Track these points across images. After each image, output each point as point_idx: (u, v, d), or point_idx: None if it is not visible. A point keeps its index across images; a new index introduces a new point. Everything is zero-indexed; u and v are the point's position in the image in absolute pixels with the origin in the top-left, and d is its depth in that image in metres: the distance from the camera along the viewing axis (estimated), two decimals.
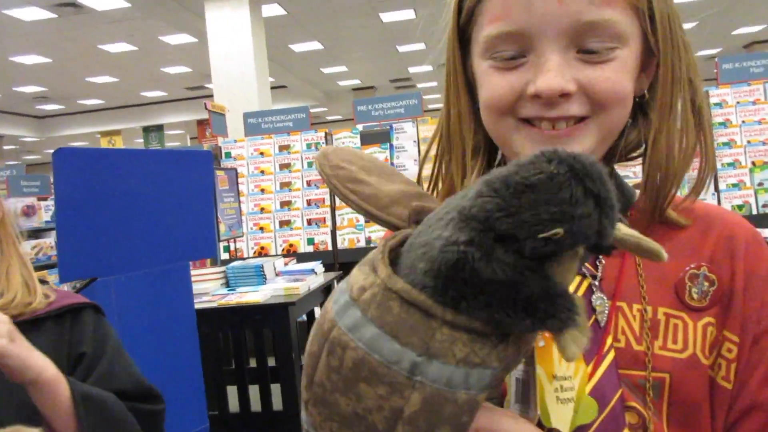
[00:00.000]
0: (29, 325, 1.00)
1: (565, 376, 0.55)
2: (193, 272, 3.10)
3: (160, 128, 15.28)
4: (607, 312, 0.61)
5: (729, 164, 4.60)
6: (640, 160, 0.65)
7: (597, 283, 0.62)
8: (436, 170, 0.70)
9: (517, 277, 0.40)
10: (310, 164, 5.20)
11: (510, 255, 0.40)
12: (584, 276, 0.62)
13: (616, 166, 0.67)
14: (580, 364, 0.57)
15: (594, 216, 0.40)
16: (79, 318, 1.10)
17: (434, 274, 0.42)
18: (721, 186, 4.54)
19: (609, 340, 0.59)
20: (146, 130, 15.22)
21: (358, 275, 0.46)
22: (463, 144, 0.66)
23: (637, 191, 0.66)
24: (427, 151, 0.72)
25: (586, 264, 0.62)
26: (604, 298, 0.61)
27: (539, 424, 0.54)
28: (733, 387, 0.60)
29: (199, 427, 2.16)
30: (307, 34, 10.58)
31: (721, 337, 0.60)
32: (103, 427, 1.00)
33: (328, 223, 4.96)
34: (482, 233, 0.40)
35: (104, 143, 15.44)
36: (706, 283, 0.61)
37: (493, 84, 0.60)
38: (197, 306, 2.53)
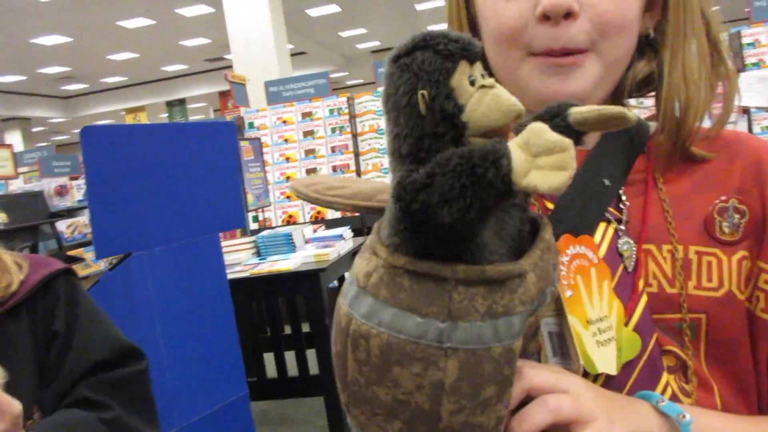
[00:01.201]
0: (6, 317, 0.97)
1: (600, 317, 0.53)
2: (223, 243, 3.14)
3: (182, 102, 15.33)
4: (635, 256, 0.59)
5: (762, 106, 4.45)
6: (652, 95, 0.64)
7: (623, 227, 0.60)
8: None
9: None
10: (333, 130, 5.18)
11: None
12: (609, 221, 0.60)
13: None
14: (614, 301, 0.56)
15: (421, 58, 0.41)
16: (50, 290, 1.04)
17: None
18: (755, 129, 4.41)
19: (641, 284, 0.58)
20: (169, 104, 15.30)
21: (361, 262, 0.45)
22: None
23: (652, 124, 0.64)
24: None
25: (610, 209, 0.60)
26: (631, 242, 0.59)
27: (585, 374, 0.54)
28: None
29: (239, 394, 2.22)
30: None
31: (756, 268, 0.59)
32: None
33: None
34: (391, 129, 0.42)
35: (129, 120, 15.59)
36: (737, 215, 0.59)
37: (500, 12, 0.59)
38: (230, 276, 2.57)
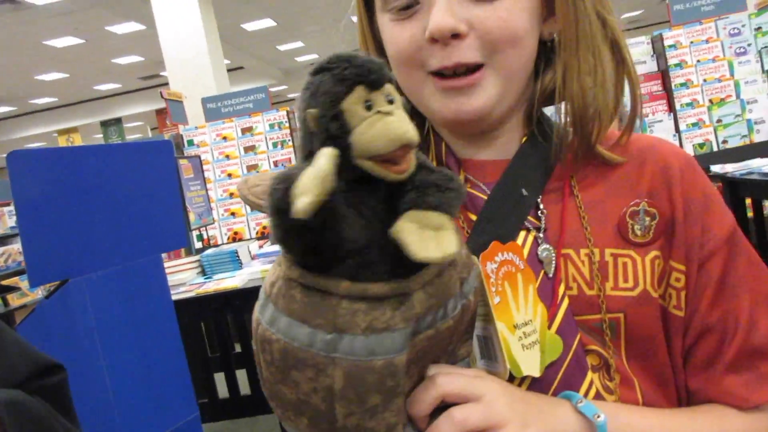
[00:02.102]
0: None
1: (526, 322, 0.56)
2: (168, 264, 3.07)
3: (118, 121, 14.91)
4: (554, 262, 0.61)
5: (687, 104, 4.67)
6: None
7: (542, 235, 0.62)
8: None
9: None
10: (275, 144, 5.15)
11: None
12: (528, 230, 0.62)
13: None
14: (538, 305, 0.58)
15: (319, 80, 0.43)
16: None
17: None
18: (681, 126, 4.62)
19: (561, 289, 0.60)
20: (104, 124, 14.85)
21: (270, 272, 0.48)
22: None
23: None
24: None
25: (529, 217, 0.62)
26: (550, 248, 0.62)
27: (511, 377, 0.55)
28: (685, 314, 0.62)
29: (189, 417, 2.17)
30: (258, 11, 10.36)
31: (668, 267, 0.62)
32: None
33: None
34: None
35: (62, 142, 15.05)
36: (647, 218, 0.62)
37: (395, 37, 0.61)
38: (175, 297, 2.52)
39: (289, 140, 5.16)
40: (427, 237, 0.43)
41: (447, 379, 0.49)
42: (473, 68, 0.58)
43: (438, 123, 0.66)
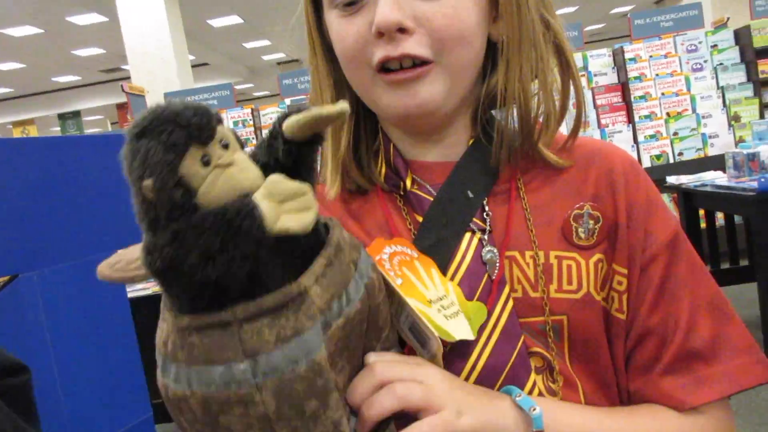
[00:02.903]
0: None
1: (440, 297, 0.55)
2: None
3: (77, 114, 14.52)
4: (497, 263, 0.61)
5: (646, 116, 4.80)
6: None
7: (486, 237, 0.62)
8: None
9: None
10: None
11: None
12: (473, 231, 0.63)
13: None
14: (447, 283, 0.58)
15: (145, 148, 0.40)
16: None
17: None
18: (639, 138, 4.75)
19: (506, 290, 0.60)
20: (62, 117, 14.44)
21: (159, 331, 0.46)
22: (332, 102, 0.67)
23: None
24: None
25: (475, 219, 0.63)
26: (495, 250, 0.62)
27: (447, 348, 0.56)
28: (627, 317, 0.62)
29: (142, 417, 2.12)
30: (225, 7, 10.24)
31: (611, 270, 0.63)
32: None
33: None
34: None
35: (17, 134, 14.58)
36: (591, 221, 0.62)
37: (341, 33, 0.61)
38: (131, 295, 2.47)
39: (252, 138, 5.11)
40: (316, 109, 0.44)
41: (386, 367, 0.50)
42: (419, 63, 0.58)
43: (387, 119, 0.66)
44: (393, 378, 0.50)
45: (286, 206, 0.41)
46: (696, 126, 4.72)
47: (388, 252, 0.57)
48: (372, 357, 0.51)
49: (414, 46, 0.57)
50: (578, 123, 0.65)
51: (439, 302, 0.55)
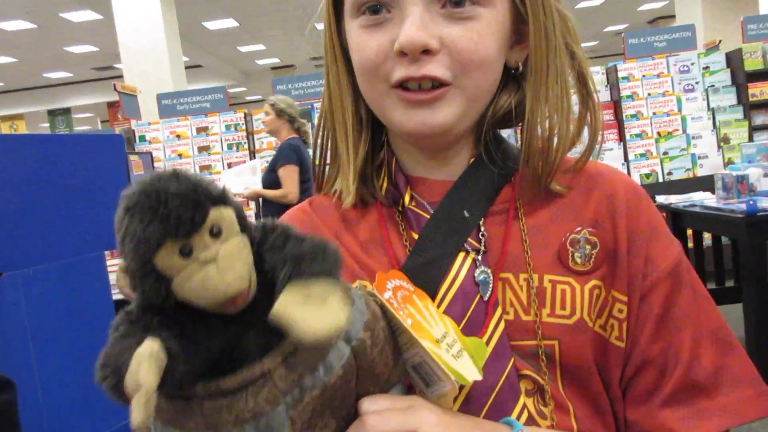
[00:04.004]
0: None
1: (444, 335, 0.54)
2: (110, 262, 2.97)
3: (67, 111, 14.43)
4: (491, 285, 0.61)
5: (636, 135, 4.84)
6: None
7: (480, 257, 0.61)
8: (320, 143, 0.70)
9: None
10: (230, 146, 5.07)
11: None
12: (467, 251, 0.62)
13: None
14: (444, 318, 0.57)
15: (134, 227, 0.40)
16: None
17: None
18: (630, 156, 4.78)
19: (498, 312, 0.59)
20: (52, 113, 14.35)
21: None
22: (344, 118, 0.66)
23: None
24: (318, 126, 0.71)
25: (469, 239, 0.62)
26: (488, 271, 0.61)
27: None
28: (626, 345, 0.61)
29: (124, 421, 2.09)
30: (220, 10, 10.22)
31: (611, 298, 0.61)
32: None
33: (252, 205, 4.87)
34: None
35: (5, 129, 14.45)
36: (588, 246, 0.61)
37: (362, 45, 0.60)
38: (116, 297, 2.43)
39: (244, 143, 5.09)
40: (314, 311, 0.41)
41: (377, 420, 0.48)
42: (437, 84, 0.58)
43: (398, 134, 0.65)
44: (388, 431, 0.47)
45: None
46: (686, 146, 4.76)
47: (391, 287, 0.55)
48: (365, 405, 0.49)
49: (436, 67, 0.57)
50: (590, 151, 0.64)
51: (444, 341, 0.53)
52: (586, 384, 0.61)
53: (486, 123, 0.64)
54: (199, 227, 0.40)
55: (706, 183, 4.00)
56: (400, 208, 0.66)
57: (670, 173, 4.72)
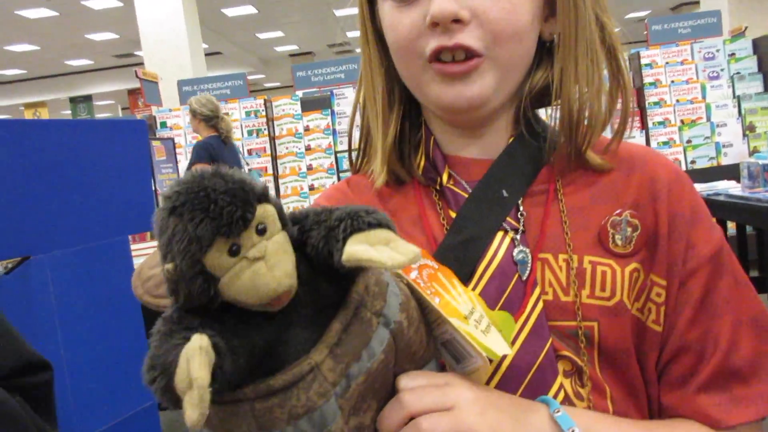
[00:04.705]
0: None
1: (471, 311, 0.54)
2: (132, 247, 3.01)
3: (88, 99, 14.58)
4: (529, 264, 0.61)
5: (659, 123, 4.77)
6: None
7: (518, 237, 0.61)
8: (363, 128, 0.71)
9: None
10: (250, 132, 5.09)
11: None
12: (506, 231, 0.62)
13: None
14: (469, 292, 0.56)
15: (184, 226, 0.39)
16: None
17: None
18: (653, 144, 4.72)
19: (537, 292, 0.59)
20: (73, 101, 14.50)
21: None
22: (374, 99, 0.67)
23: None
24: (353, 118, 0.72)
25: (508, 218, 0.62)
26: (527, 251, 0.61)
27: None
28: (663, 329, 0.61)
29: (146, 404, 2.12)
30: None
31: (649, 281, 0.61)
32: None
33: (272, 191, 4.90)
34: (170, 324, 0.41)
35: (29, 115, 14.63)
36: (629, 229, 0.61)
37: (395, 23, 0.61)
38: None
39: (264, 129, 5.11)
40: (383, 250, 0.41)
41: (413, 397, 0.48)
42: (471, 56, 0.58)
43: (434, 110, 0.65)
44: (420, 410, 0.48)
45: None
46: (710, 134, 4.69)
47: (416, 266, 0.55)
48: (402, 382, 0.49)
49: (467, 37, 0.57)
50: (623, 127, 0.63)
51: (472, 317, 0.53)
52: (623, 367, 0.61)
53: (524, 100, 0.64)
54: (248, 225, 0.40)
55: (730, 172, 3.93)
56: (437, 187, 0.66)
57: (693, 162, 4.65)
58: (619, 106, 0.64)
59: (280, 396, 0.42)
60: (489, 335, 0.53)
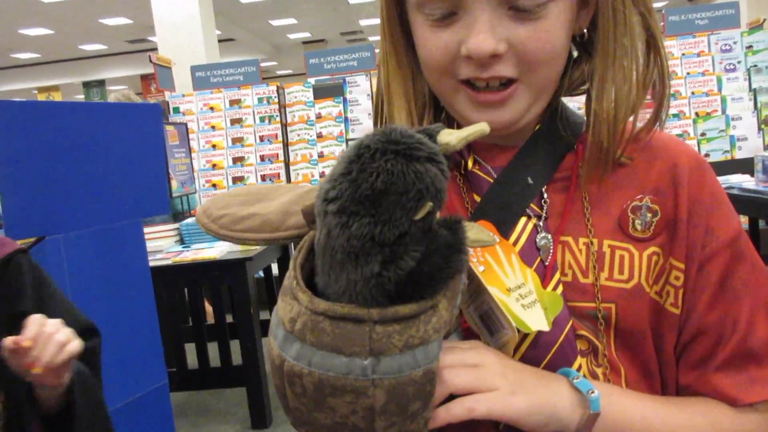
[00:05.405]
0: None
1: (518, 285, 0.56)
2: (146, 230, 3.04)
3: (101, 83, 14.64)
4: (551, 249, 0.62)
5: (674, 115, 4.73)
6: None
7: (541, 223, 0.63)
8: (381, 113, 0.70)
9: (418, 255, 0.44)
10: (262, 119, 5.10)
11: (405, 247, 0.44)
12: (529, 217, 0.63)
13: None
14: (526, 270, 0.58)
15: (434, 172, 0.44)
16: (11, 269, 1.04)
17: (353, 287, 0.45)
18: None
19: (557, 275, 0.61)
20: (87, 85, 14.57)
21: (285, 307, 0.48)
22: (404, 92, 0.66)
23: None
24: (377, 105, 0.72)
25: (532, 205, 0.63)
26: (549, 236, 0.62)
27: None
28: (681, 312, 0.62)
29: (158, 384, 2.15)
30: None
31: (668, 265, 0.62)
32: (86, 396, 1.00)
33: (282, 178, 4.91)
34: (375, 249, 0.43)
35: (42, 99, 14.72)
36: (649, 214, 0.62)
37: (429, 43, 0.59)
38: (152, 264, 2.49)
39: (276, 116, 5.12)
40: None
41: (454, 374, 0.51)
42: (506, 81, 0.58)
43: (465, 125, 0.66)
44: (443, 365, 0.50)
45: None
46: (725, 128, 4.64)
47: None
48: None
49: (503, 68, 0.57)
50: (654, 120, 0.63)
51: (517, 291, 0.55)
52: (639, 348, 0.62)
53: (562, 91, 0.64)
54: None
55: (744, 165, 3.90)
56: (462, 171, 0.66)
57: (707, 155, 4.62)
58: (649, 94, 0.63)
59: (402, 324, 0.44)
60: (529, 310, 0.55)
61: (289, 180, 4.92)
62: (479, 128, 0.51)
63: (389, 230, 0.42)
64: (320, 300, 0.45)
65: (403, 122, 0.65)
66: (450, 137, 0.49)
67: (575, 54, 0.64)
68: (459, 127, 0.67)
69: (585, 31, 0.63)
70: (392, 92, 0.67)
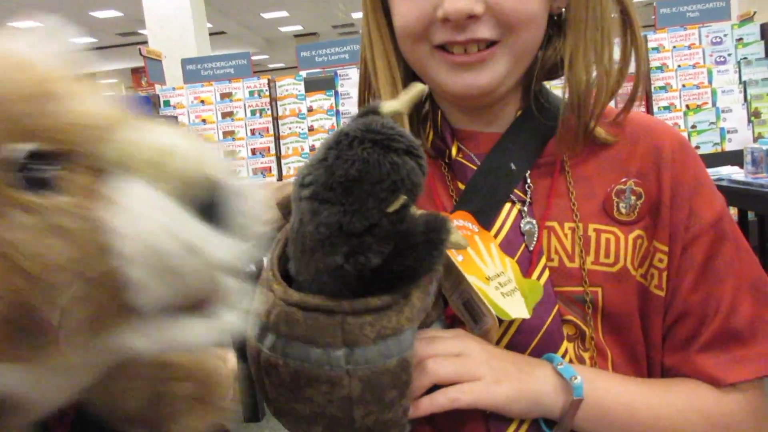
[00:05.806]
0: None
1: (498, 273, 0.57)
2: None
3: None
4: (536, 235, 0.62)
5: (665, 108, 4.75)
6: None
7: (526, 208, 0.63)
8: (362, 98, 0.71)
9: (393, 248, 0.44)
10: (253, 112, 5.08)
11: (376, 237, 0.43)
12: (513, 202, 0.63)
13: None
14: (505, 258, 0.59)
15: (411, 165, 0.44)
16: None
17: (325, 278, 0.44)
18: (653, 109, 4.69)
19: (543, 261, 0.61)
20: None
21: (261, 298, 0.48)
22: (379, 71, 0.66)
23: None
24: (362, 80, 0.72)
25: (516, 190, 0.63)
26: (534, 222, 0.62)
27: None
28: (666, 294, 0.62)
29: None
30: None
31: (652, 248, 0.63)
32: None
33: (274, 172, 4.90)
34: (341, 239, 0.42)
35: None
36: (633, 197, 0.62)
37: (403, 11, 0.60)
38: None
39: (267, 109, 5.09)
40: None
41: (421, 345, 0.51)
42: (483, 46, 0.58)
43: (443, 96, 0.66)
44: (427, 355, 0.51)
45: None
46: (715, 120, 4.66)
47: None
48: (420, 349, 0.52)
49: (482, 29, 0.57)
50: (633, 98, 0.64)
51: (496, 279, 0.56)
52: (626, 332, 0.63)
53: (535, 76, 0.64)
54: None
55: (734, 158, 3.92)
56: (446, 160, 0.66)
57: (697, 147, 4.63)
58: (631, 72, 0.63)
59: (374, 315, 0.44)
60: (509, 298, 0.55)
61: (280, 174, 4.91)
62: (418, 87, 0.51)
63: (358, 220, 0.42)
64: (294, 291, 0.45)
65: (387, 95, 0.66)
66: (393, 104, 0.48)
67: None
68: (432, 115, 0.68)
69: (562, 12, 0.64)
70: (377, 67, 0.67)
